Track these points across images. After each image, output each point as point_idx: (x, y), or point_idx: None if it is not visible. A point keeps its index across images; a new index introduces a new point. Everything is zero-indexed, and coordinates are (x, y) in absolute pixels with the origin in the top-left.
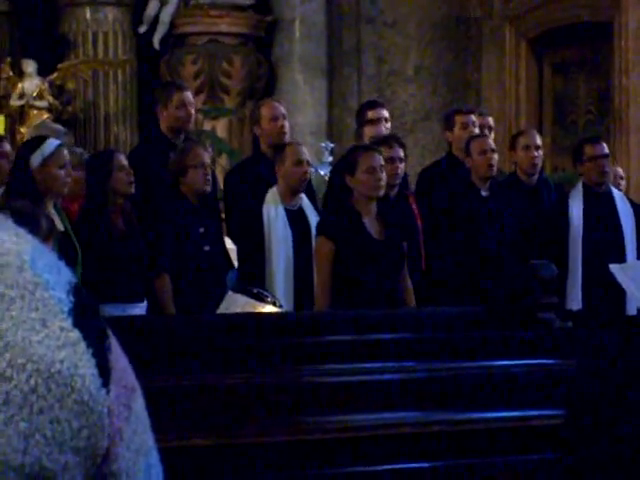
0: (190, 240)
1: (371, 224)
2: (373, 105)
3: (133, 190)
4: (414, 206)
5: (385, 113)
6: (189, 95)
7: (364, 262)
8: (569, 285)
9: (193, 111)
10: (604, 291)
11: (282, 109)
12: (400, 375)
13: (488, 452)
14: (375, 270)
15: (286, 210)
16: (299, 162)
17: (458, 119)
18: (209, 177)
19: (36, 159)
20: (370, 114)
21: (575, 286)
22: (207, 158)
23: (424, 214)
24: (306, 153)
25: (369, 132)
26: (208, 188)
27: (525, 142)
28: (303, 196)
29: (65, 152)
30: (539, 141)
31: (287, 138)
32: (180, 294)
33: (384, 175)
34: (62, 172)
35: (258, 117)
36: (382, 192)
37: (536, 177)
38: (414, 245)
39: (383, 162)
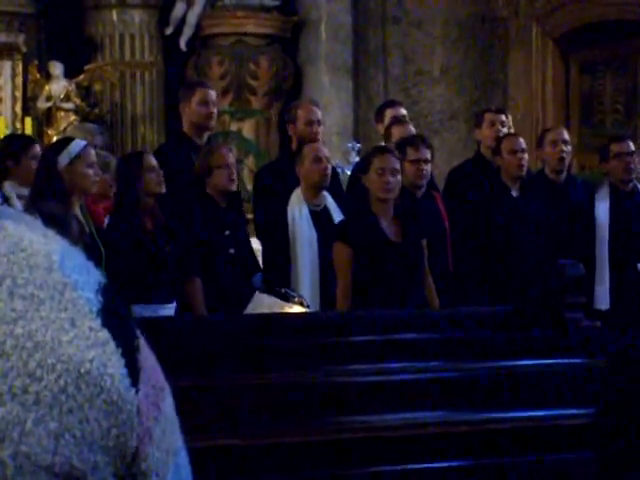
0: (216, 243)
1: (388, 226)
2: (392, 104)
3: (164, 189)
4: (441, 206)
5: (403, 111)
6: (212, 93)
7: (383, 265)
8: (597, 284)
9: (215, 110)
10: (632, 290)
11: (319, 114)
12: (427, 375)
13: (516, 452)
14: (395, 272)
15: (310, 210)
16: (317, 159)
17: (487, 117)
18: (234, 177)
19: (63, 159)
20: (389, 112)
21: (603, 285)
22: (231, 158)
23: (453, 214)
24: (324, 150)
25: (397, 132)
26: (233, 187)
27: (552, 137)
28: (327, 196)
29: (92, 152)
30: (567, 136)
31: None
32: (206, 297)
33: (396, 179)
34: (90, 170)
35: (294, 117)
36: (391, 195)
37: (564, 175)
38: (441, 246)
39: (397, 166)
